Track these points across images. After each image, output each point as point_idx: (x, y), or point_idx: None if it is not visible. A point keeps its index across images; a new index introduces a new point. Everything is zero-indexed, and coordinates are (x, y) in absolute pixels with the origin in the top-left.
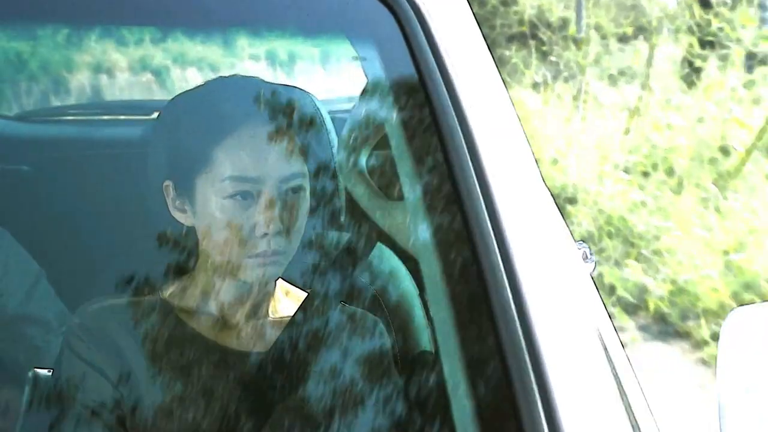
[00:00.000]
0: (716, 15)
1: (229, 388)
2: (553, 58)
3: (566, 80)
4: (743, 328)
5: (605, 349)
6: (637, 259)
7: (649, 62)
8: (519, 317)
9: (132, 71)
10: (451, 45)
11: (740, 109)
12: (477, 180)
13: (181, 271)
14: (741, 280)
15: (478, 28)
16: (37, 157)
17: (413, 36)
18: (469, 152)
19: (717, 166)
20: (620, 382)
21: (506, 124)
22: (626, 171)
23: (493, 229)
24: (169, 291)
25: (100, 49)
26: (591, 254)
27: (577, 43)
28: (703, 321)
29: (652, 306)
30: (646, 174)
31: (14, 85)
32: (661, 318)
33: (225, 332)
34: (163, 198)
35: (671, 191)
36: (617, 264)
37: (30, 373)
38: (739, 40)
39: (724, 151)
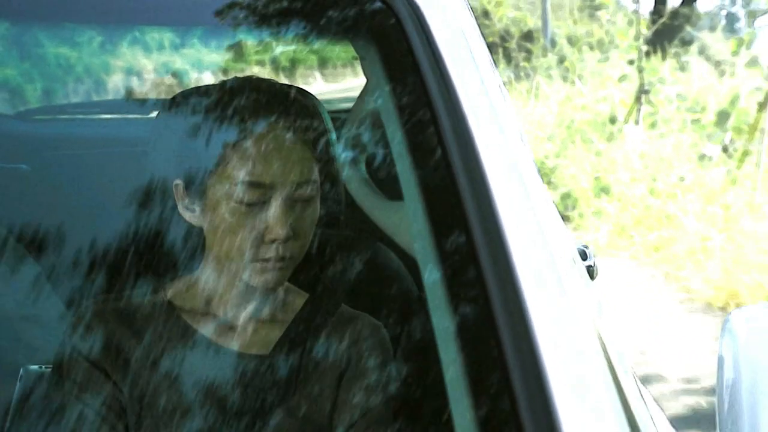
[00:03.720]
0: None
1: (229, 390)
2: (523, 64)
3: (526, 78)
4: (743, 328)
5: (604, 347)
6: (545, 183)
7: (572, 67)
8: (519, 317)
9: (137, 72)
10: (450, 45)
11: (620, 93)
12: (476, 179)
13: (185, 271)
14: (599, 187)
15: (477, 28)
16: (36, 156)
17: (413, 36)
18: (468, 152)
19: (605, 129)
20: (618, 381)
21: (505, 123)
22: (550, 137)
23: (492, 229)
24: (171, 291)
25: (105, 49)
26: (589, 254)
27: (542, 51)
28: (576, 210)
29: None
30: (562, 138)
31: (17, 83)
32: None
33: (226, 333)
34: (166, 197)
35: (573, 145)
36: None
37: (22, 371)
38: (617, 46)
39: (612, 120)
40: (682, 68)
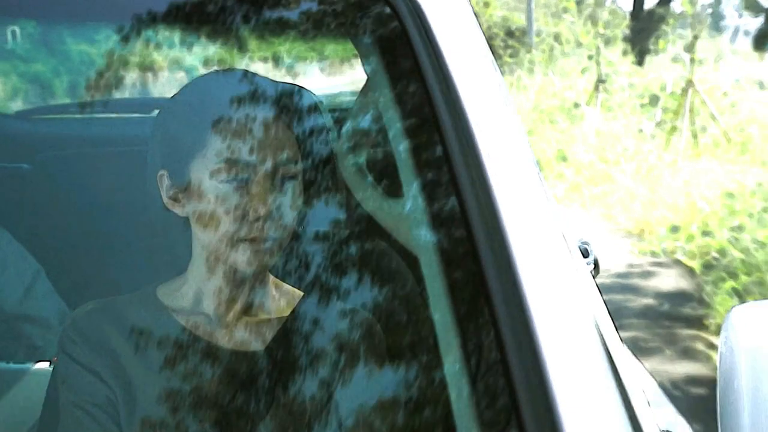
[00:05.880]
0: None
1: (223, 388)
2: (506, 59)
3: (510, 73)
4: (743, 325)
5: (604, 344)
6: None
7: (546, 61)
8: (519, 315)
9: (139, 71)
10: (451, 42)
11: (585, 83)
12: (477, 177)
13: (177, 269)
14: (560, 156)
15: (478, 26)
16: (37, 155)
17: (413, 34)
18: (468, 149)
19: (570, 113)
20: (619, 377)
21: (505, 121)
22: (524, 120)
23: (493, 226)
24: (164, 290)
25: (106, 47)
26: (591, 251)
27: (526, 47)
28: (542, 174)
29: None
30: (534, 121)
31: (20, 82)
32: None
33: (219, 331)
34: (160, 196)
35: (542, 125)
36: None
37: (28, 371)
38: (581, 44)
39: (576, 105)
40: (638, 62)
